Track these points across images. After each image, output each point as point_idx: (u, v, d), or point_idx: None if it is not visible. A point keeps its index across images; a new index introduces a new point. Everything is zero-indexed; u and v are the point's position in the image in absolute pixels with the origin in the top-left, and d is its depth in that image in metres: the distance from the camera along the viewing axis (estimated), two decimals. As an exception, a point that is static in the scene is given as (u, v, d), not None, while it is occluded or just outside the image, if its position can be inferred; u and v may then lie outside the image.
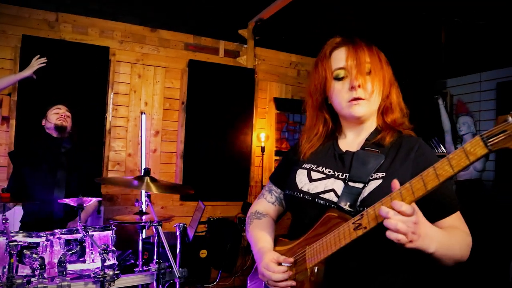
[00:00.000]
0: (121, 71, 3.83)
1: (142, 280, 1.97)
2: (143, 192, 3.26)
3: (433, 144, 4.71)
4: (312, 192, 1.19)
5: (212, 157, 4.22)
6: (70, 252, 1.91)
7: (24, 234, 1.86)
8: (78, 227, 1.93)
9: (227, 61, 4.36)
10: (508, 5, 3.38)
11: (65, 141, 2.76)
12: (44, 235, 1.90)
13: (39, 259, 1.75)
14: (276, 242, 1.31)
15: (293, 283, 1.13)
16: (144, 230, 2.47)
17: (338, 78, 1.22)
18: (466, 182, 4.12)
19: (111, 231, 2.15)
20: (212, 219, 4.14)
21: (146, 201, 2.22)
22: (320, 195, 1.17)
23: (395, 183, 0.96)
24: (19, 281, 1.62)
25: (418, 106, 4.31)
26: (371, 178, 1.13)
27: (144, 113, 3.87)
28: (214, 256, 2.88)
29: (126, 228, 3.55)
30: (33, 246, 1.85)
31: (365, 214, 0.98)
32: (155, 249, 2.04)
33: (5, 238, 1.80)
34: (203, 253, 2.76)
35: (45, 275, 1.72)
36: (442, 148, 4.55)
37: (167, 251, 1.90)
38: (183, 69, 4.09)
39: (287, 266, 1.15)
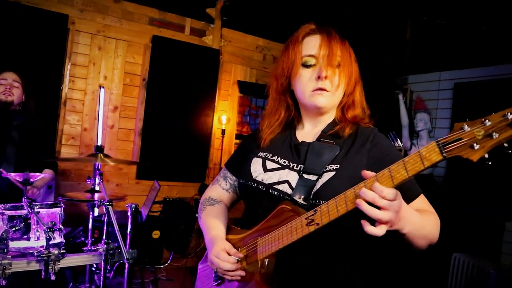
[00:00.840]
0: (80, 41, 3.66)
1: (90, 260, 1.93)
2: (95, 169, 3.15)
3: (390, 137, 4.86)
4: (266, 183, 1.19)
5: (171, 137, 4.16)
6: (13, 229, 1.83)
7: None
8: (23, 203, 1.85)
9: (192, 39, 4.26)
10: (470, 8, 3.50)
11: (16, 114, 2.60)
12: (-16, 209, 1.81)
13: (-22, 235, 1.67)
14: (229, 230, 1.30)
15: (243, 273, 1.13)
16: (95, 209, 2.41)
17: (306, 65, 1.20)
18: (417, 178, 4.30)
19: (59, 208, 2.08)
20: (168, 199, 4.11)
21: (98, 179, 2.15)
22: (274, 186, 1.17)
23: (366, 173, 0.95)
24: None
25: (378, 100, 4.42)
26: (325, 170, 1.13)
27: (103, 87, 3.73)
28: (167, 237, 2.86)
29: (78, 204, 3.45)
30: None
31: (319, 210, 0.99)
32: (105, 228, 2.00)
33: None
34: (156, 234, 2.74)
35: (-15, 252, 1.65)
36: (399, 142, 4.71)
37: (117, 231, 1.87)
38: (146, 44, 3.97)
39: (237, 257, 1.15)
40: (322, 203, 1.01)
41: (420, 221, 1.04)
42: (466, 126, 0.82)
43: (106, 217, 2.01)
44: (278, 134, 1.30)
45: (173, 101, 4.14)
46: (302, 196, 1.10)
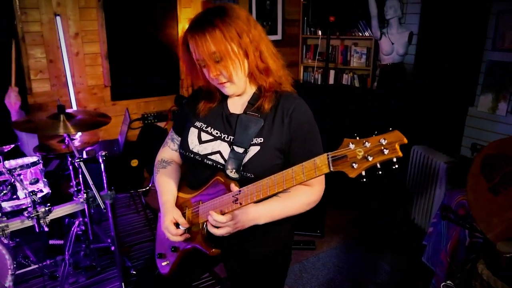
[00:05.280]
0: (21, -32, 3.46)
1: (75, 208, 2.25)
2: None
3: (360, 27, 4.84)
4: (201, 153, 1.37)
5: (138, 54, 4.20)
6: (2, 193, 2.11)
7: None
8: (2, 170, 2.10)
9: None
10: None
11: None
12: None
13: (-28, 207, 1.96)
14: (181, 188, 1.50)
15: (188, 236, 1.37)
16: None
17: (201, 66, 1.31)
18: (389, 66, 4.40)
19: (39, 164, 2.33)
20: (146, 115, 4.34)
21: (66, 139, 2.33)
22: (208, 156, 1.35)
23: (233, 187, 1.22)
24: (-42, 232, 1.86)
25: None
26: (251, 143, 1.28)
27: (59, 15, 3.64)
28: (145, 163, 3.16)
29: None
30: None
31: (243, 191, 1.19)
32: (81, 180, 2.28)
33: None
34: (134, 163, 3.03)
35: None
36: (369, 31, 4.70)
37: (91, 185, 2.14)
38: (93, -40, 3.74)
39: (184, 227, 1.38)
40: (250, 176, 1.25)
41: (279, 210, 1.33)
42: (351, 145, 0.95)
43: (81, 170, 2.26)
44: (215, 104, 1.43)
45: (133, 17, 4.06)
46: (234, 169, 1.27)
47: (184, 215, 1.42)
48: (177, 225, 1.39)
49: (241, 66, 1.27)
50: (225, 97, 1.43)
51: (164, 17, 4.25)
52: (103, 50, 3.96)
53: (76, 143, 2.81)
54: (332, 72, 5.08)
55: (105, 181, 2.37)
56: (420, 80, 4.23)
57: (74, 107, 3.87)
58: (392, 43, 4.29)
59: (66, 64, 3.76)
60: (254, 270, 1.48)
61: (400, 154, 0.88)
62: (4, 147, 2.09)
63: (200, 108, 1.44)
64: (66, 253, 2.59)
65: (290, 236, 1.56)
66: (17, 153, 2.84)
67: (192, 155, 1.39)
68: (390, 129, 0.92)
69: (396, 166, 0.90)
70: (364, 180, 0.95)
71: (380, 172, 0.93)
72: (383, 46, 4.35)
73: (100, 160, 2.37)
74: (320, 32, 5.03)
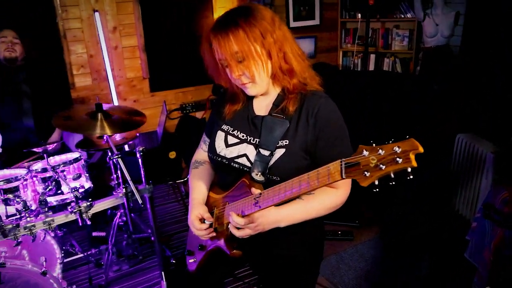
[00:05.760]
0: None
1: (114, 202, 2.33)
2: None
3: (402, 9, 4.63)
4: (228, 157, 1.39)
5: (174, 45, 4.24)
6: (48, 189, 2.23)
7: (2, 181, 2.12)
8: (47, 167, 2.20)
9: None
10: None
11: (20, 69, 2.79)
12: (21, 177, 2.18)
13: (21, 202, 2.07)
14: (212, 188, 1.53)
15: (213, 234, 1.40)
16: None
17: (224, 66, 1.30)
18: (433, 49, 4.20)
19: (81, 160, 2.43)
20: (184, 105, 4.40)
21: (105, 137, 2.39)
22: (235, 160, 1.37)
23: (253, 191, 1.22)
24: (9, 226, 1.98)
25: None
26: (277, 145, 1.28)
27: (97, 11, 3.74)
28: (183, 154, 3.22)
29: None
30: (14, 190, 2.15)
31: (263, 194, 1.19)
32: (120, 174, 2.35)
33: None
34: (172, 155, 3.10)
35: (30, 214, 2.07)
36: (412, 12, 4.49)
37: (129, 180, 2.20)
38: (129, -46, 3.78)
39: (209, 222, 1.41)
40: (276, 179, 1.25)
41: (300, 213, 1.31)
42: (365, 152, 0.90)
43: (119, 166, 2.33)
44: (240, 106, 1.43)
45: (169, 8, 4.09)
46: (260, 172, 1.28)
47: (212, 214, 1.44)
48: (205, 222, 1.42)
49: (263, 67, 1.26)
50: (250, 98, 1.42)
51: (199, 7, 4.25)
52: (140, 42, 4.04)
53: (117, 137, 2.91)
54: (372, 57, 4.91)
55: (143, 175, 2.43)
56: (466, 63, 4.00)
57: (115, 100, 3.99)
58: (437, 24, 4.07)
59: (105, 58, 3.87)
60: (280, 271, 1.48)
61: (414, 164, 0.83)
62: (48, 146, 2.19)
63: (225, 111, 1.45)
64: (110, 242, 2.71)
65: (318, 237, 1.54)
66: (63, 147, 2.99)
67: (220, 159, 1.41)
68: (407, 136, 0.86)
69: (411, 177, 0.84)
70: (377, 190, 0.90)
71: (393, 183, 0.87)
72: (427, 28, 4.15)
73: (138, 155, 2.43)
74: (359, 15, 4.86)
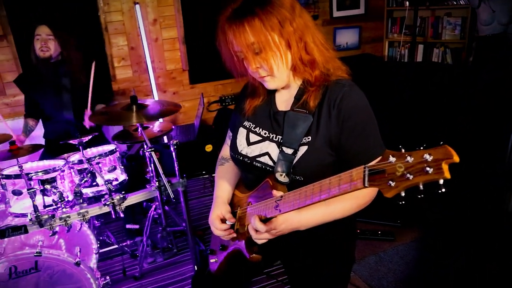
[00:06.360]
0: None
1: (147, 196, 2.33)
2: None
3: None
4: (250, 156, 1.30)
5: (214, 37, 4.18)
6: (83, 181, 2.26)
7: (41, 172, 2.17)
8: (82, 159, 2.23)
9: None
10: None
11: (59, 64, 2.83)
12: (58, 168, 2.22)
13: (57, 193, 2.11)
14: (238, 186, 1.47)
15: (234, 234, 1.34)
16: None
17: (241, 59, 1.21)
18: (489, 38, 3.90)
19: (116, 152, 2.45)
20: (223, 97, 4.37)
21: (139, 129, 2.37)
22: (257, 159, 1.29)
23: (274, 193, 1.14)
24: (45, 216, 2.02)
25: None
26: (301, 143, 1.19)
27: (137, 3, 3.77)
28: (220, 148, 3.18)
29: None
30: (51, 180, 2.19)
31: (284, 197, 1.11)
32: (153, 168, 2.34)
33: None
34: (209, 148, 3.07)
35: (66, 205, 2.11)
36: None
37: (161, 174, 2.18)
38: None
39: (231, 222, 1.35)
40: (299, 179, 1.17)
41: (321, 215, 1.20)
42: (391, 158, 0.80)
43: (152, 160, 2.32)
44: (261, 101, 1.35)
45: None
46: (284, 172, 1.18)
47: (235, 214, 1.38)
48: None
49: (282, 58, 1.15)
50: (272, 92, 1.33)
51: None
52: (180, 34, 4.03)
53: (155, 129, 2.91)
54: (420, 47, 4.64)
55: (176, 169, 2.42)
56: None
57: (155, 92, 4.03)
58: (493, 11, 3.76)
59: (146, 50, 3.90)
60: (308, 272, 1.40)
61: (448, 175, 0.70)
62: (83, 137, 2.21)
63: (246, 106, 1.37)
64: (144, 234, 2.73)
65: (350, 236, 1.43)
66: (101, 139, 3.04)
67: (242, 158, 1.33)
68: (441, 143, 0.73)
69: (443, 190, 0.72)
70: (403, 202, 0.78)
71: (421, 196, 0.75)
72: (482, 15, 3.84)
73: (172, 149, 2.42)
74: (407, 3, 4.59)
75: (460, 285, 2.53)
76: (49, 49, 2.74)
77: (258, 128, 1.33)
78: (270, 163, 1.25)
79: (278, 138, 1.26)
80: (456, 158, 0.70)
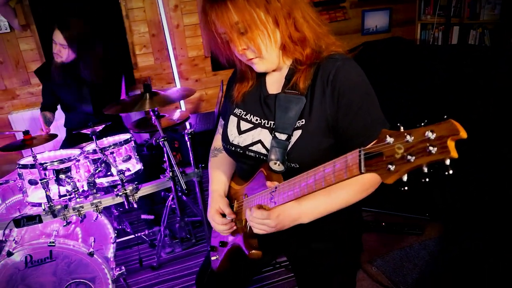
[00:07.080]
0: None
1: (160, 186, 2.29)
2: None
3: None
4: (242, 145, 1.22)
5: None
6: (97, 170, 2.24)
7: (56, 161, 2.16)
8: (96, 149, 2.21)
9: None
10: None
11: (74, 64, 2.80)
12: (74, 157, 2.21)
13: (71, 183, 2.11)
14: (234, 178, 1.40)
15: (234, 228, 1.28)
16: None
17: (225, 40, 1.11)
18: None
19: (131, 142, 2.42)
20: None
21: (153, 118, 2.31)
22: (250, 148, 1.21)
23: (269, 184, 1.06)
24: (59, 206, 2.02)
25: None
26: (294, 127, 1.10)
27: (158, -11, 3.72)
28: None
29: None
30: (66, 170, 2.19)
31: (278, 188, 1.03)
32: (166, 158, 2.29)
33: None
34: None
35: (80, 195, 2.10)
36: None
37: (174, 164, 2.12)
38: None
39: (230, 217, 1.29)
40: (294, 166, 1.09)
41: (324, 205, 1.10)
42: (389, 138, 0.70)
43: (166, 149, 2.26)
44: (251, 86, 1.26)
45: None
46: (279, 160, 1.09)
47: (232, 207, 1.31)
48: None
49: (270, 37, 1.06)
50: (262, 75, 1.23)
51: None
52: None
53: (175, 117, 2.86)
54: (455, 29, 4.36)
55: (192, 159, 2.37)
56: None
57: (177, 80, 3.98)
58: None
59: (167, 37, 3.86)
60: (314, 265, 1.32)
61: (454, 154, 0.59)
62: (96, 127, 2.19)
63: (235, 93, 1.28)
64: (162, 224, 2.71)
65: (355, 225, 1.33)
66: (121, 127, 3.03)
67: (234, 148, 1.25)
68: (445, 117, 0.62)
69: (450, 171, 0.61)
70: (405, 188, 0.67)
71: (426, 179, 0.64)
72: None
73: (186, 138, 2.36)
74: (441, -18, 4.32)
75: (494, 286, 2.37)
76: (61, 57, 2.73)
77: (249, 115, 1.24)
78: (264, 151, 1.17)
79: (270, 123, 1.17)
80: (464, 134, 0.59)
